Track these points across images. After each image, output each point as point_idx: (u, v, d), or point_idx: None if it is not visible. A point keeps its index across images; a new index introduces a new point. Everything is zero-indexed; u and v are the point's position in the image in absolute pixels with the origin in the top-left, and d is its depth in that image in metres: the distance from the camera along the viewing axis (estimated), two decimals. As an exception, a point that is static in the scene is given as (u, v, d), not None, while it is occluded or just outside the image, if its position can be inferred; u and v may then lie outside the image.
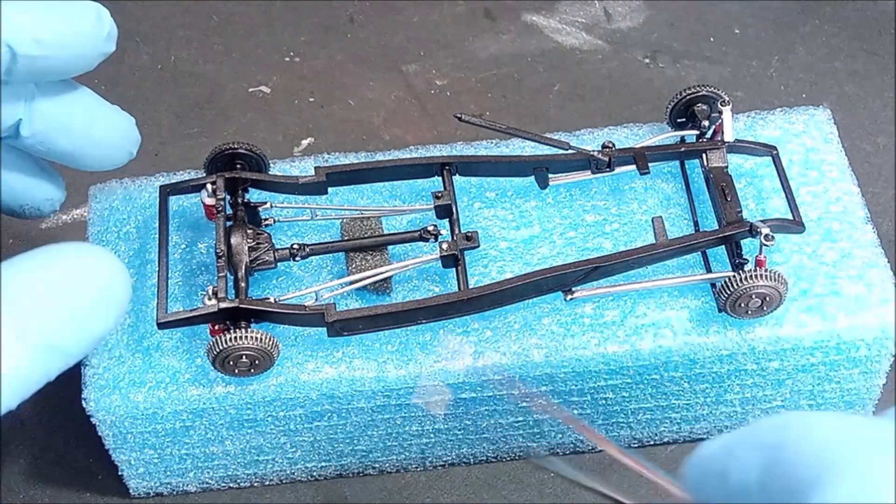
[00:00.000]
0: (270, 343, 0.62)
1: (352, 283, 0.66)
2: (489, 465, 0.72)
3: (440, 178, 0.68)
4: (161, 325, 0.62)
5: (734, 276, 0.63)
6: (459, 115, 0.67)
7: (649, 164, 0.69)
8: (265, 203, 0.68)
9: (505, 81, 0.89)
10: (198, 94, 0.89)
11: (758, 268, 0.63)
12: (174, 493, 0.71)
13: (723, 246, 0.67)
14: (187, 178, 0.69)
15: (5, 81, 0.58)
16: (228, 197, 0.67)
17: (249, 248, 0.65)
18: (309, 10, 0.94)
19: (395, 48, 0.92)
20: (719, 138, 0.69)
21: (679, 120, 0.71)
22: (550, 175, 0.69)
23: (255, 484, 0.71)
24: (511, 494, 0.71)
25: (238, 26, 0.94)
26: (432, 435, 0.69)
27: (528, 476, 0.71)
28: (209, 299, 0.62)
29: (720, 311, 0.65)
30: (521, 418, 0.68)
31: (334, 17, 0.94)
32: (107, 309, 0.51)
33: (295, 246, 0.66)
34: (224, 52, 0.92)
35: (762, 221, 0.65)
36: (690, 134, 0.70)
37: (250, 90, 0.90)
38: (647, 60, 0.90)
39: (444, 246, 0.65)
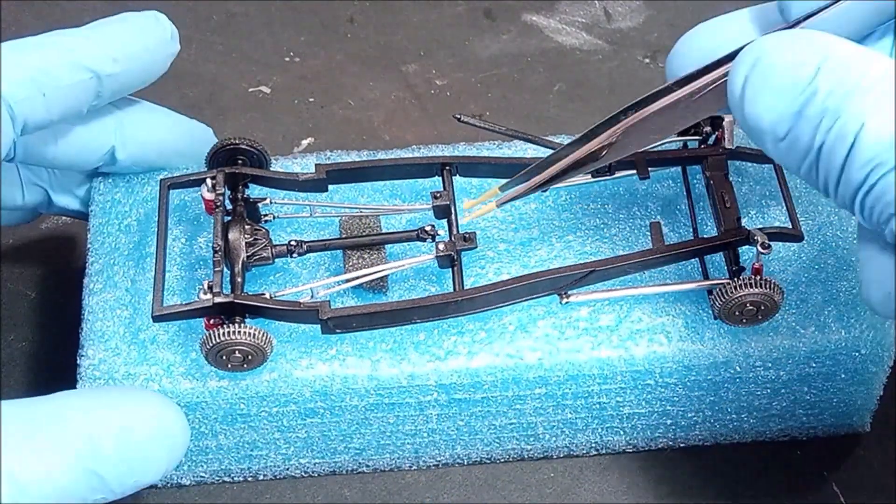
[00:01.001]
0: (264, 339, 0.62)
1: (348, 280, 0.66)
2: (489, 465, 0.72)
3: (440, 178, 0.68)
4: (156, 318, 0.62)
5: (729, 284, 0.63)
6: (459, 116, 0.67)
7: (649, 170, 0.69)
8: (265, 199, 0.68)
9: (505, 81, 0.89)
10: (198, 94, 0.89)
11: (753, 276, 0.63)
12: (168, 485, 0.71)
13: (721, 253, 0.67)
14: (188, 172, 0.70)
15: (96, 106, 0.65)
16: (228, 192, 0.67)
17: (247, 243, 0.65)
18: (309, 10, 0.94)
19: (395, 48, 0.92)
20: (721, 145, 0.69)
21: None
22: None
23: (249, 479, 0.71)
24: (511, 494, 0.71)
25: (238, 26, 0.94)
26: (426, 434, 0.69)
27: (528, 476, 0.71)
28: (205, 293, 0.62)
29: (715, 318, 0.65)
30: (514, 420, 0.68)
31: (334, 17, 0.94)
32: (157, 459, 0.57)
33: (293, 242, 0.66)
34: (224, 52, 0.92)
35: (760, 229, 0.65)
36: (692, 140, 0.70)
37: (250, 90, 0.90)
38: (647, 60, 0.90)
39: (441, 246, 0.65)
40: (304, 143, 0.86)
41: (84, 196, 0.73)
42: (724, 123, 0.68)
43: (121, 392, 0.59)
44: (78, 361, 0.65)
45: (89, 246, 0.69)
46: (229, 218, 0.66)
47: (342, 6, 0.95)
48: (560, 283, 0.65)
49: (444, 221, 0.67)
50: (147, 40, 0.65)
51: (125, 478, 0.55)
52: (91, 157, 0.68)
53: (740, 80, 0.52)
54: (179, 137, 0.71)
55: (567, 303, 0.65)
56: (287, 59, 0.92)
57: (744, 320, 0.64)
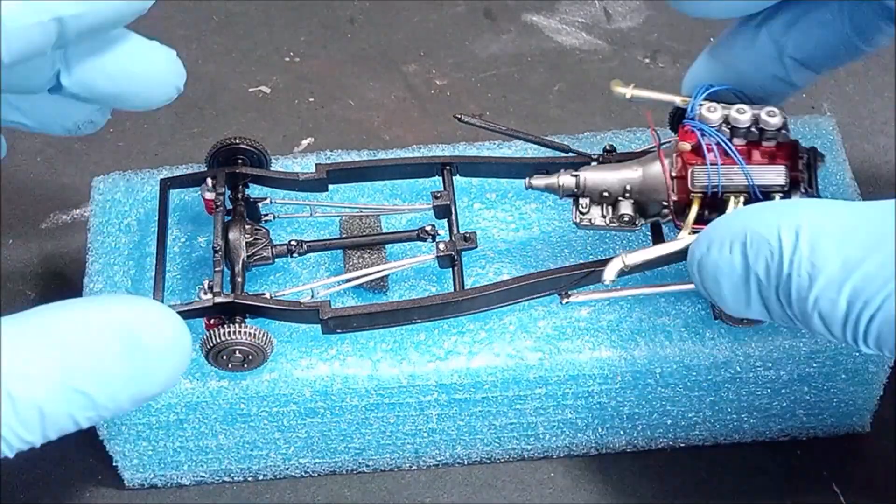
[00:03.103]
0: (264, 339, 0.61)
1: (348, 280, 0.66)
2: (489, 465, 0.72)
3: (440, 178, 0.68)
4: (156, 319, 0.62)
5: None
6: (459, 116, 0.67)
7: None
8: (265, 199, 0.68)
9: (505, 81, 0.89)
10: (198, 94, 0.89)
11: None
12: (168, 485, 0.71)
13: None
14: (188, 172, 0.70)
15: (59, 46, 0.56)
16: (229, 192, 0.67)
17: (247, 243, 0.65)
18: (309, 10, 0.94)
19: (395, 48, 0.92)
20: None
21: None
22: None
23: (249, 479, 0.71)
24: (511, 495, 0.71)
25: (238, 26, 0.94)
26: (426, 434, 0.69)
27: (529, 476, 0.71)
28: (205, 293, 0.62)
29: (716, 318, 0.65)
30: (514, 420, 0.68)
31: (334, 17, 0.94)
32: (152, 369, 0.51)
33: (293, 242, 0.66)
34: (224, 52, 0.92)
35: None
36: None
37: (250, 90, 0.90)
38: (647, 60, 0.90)
39: (441, 246, 0.65)
40: (304, 143, 0.86)
41: (33, 111, 0.64)
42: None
43: (100, 300, 0.52)
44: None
45: (89, 246, 0.69)
46: (229, 218, 0.66)
47: (342, 6, 0.95)
48: (560, 283, 0.65)
49: (445, 221, 0.67)
50: None
51: (117, 391, 0.50)
52: (32, 82, 0.60)
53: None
54: (133, 64, 0.62)
55: (567, 303, 0.65)
56: (287, 59, 0.92)
57: (744, 320, 0.64)
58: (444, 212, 0.67)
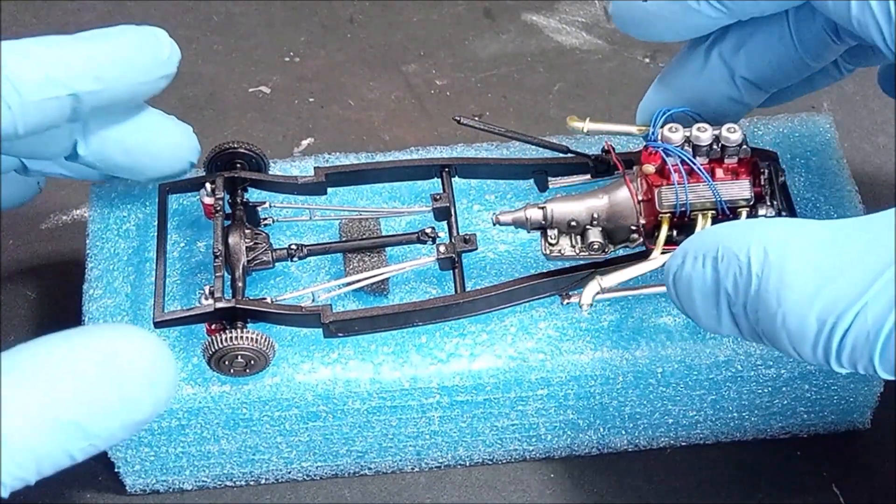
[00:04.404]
0: (266, 343, 0.62)
1: (349, 284, 0.66)
2: (489, 466, 0.72)
3: (439, 180, 0.68)
4: (157, 324, 0.62)
5: None
6: (458, 118, 0.67)
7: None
8: (264, 203, 0.68)
9: (505, 81, 0.89)
10: (198, 94, 0.89)
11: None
12: (170, 490, 0.71)
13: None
14: (187, 177, 0.69)
15: (75, 120, 0.59)
16: (227, 196, 0.67)
17: (247, 247, 0.65)
18: (309, 10, 0.94)
19: (395, 48, 0.92)
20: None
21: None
22: (550, 178, 0.69)
23: (251, 483, 0.71)
24: (511, 495, 0.71)
25: (238, 26, 0.94)
26: (428, 437, 0.69)
27: (529, 476, 0.71)
28: (206, 299, 0.62)
29: (717, 317, 0.65)
30: (516, 421, 0.68)
31: (334, 17, 0.94)
32: (142, 395, 0.52)
33: (293, 246, 0.66)
34: (224, 52, 0.92)
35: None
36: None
37: (250, 90, 0.90)
38: (647, 60, 0.90)
39: (442, 248, 0.65)
40: (304, 143, 0.86)
41: (61, 160, 0.66)
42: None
43: (86, 332, 0.52)
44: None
45: (88, 251, 0.69)
46: (229, 222, 0.66)
47: (342, 6, 0.95)
48: (561, 283, 0.65)
49: (444, 223, 0.67)
50: (139, 59, 0.60)
51: (109, 421, 0.51)
52: (49, 150, 0.63)
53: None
54: (150, 139, 0.66)
55: (568, 304, 0.65)
56: (287, 59, 0.92)
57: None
58: (443, 214, 0.67)
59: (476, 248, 0.65)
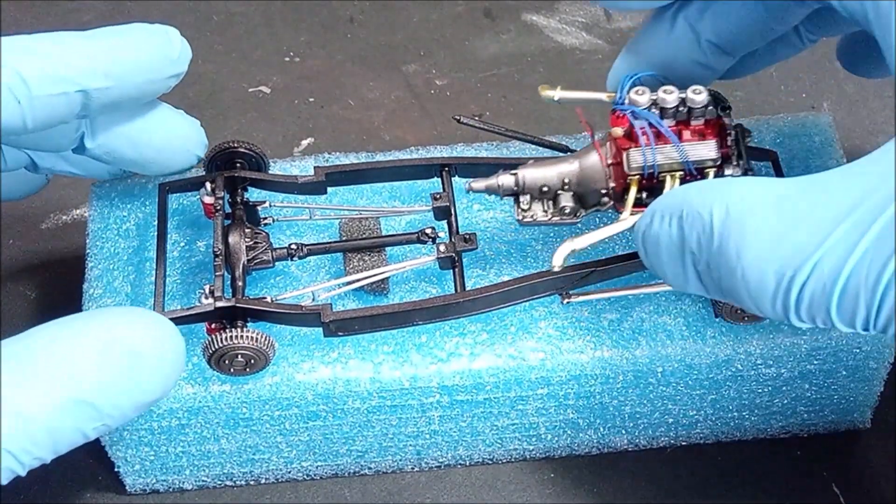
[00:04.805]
0: (266, 343, 0.62)
1: (349, 283, 0.66)
2: (489, 465, 0.72)
3: (439, 180, 0.68)
4: (158, 324, 0.62)
5: None
6: (458, 118, 0.67)
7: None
8: (264, 202, 0.68)
9: (505, 81, 0.89)
10: (198, 94, 0.89)
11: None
12: (170, 490, 0.71)
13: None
14: (187, 176, 0.69)
15: (83, 116, 0.60)
16: (228, 195, 0.67)
17: (247, 247, 0.65)
18: (309, 10, 0.94)
19: (395, 48, 0.92)
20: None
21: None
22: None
23: (251, 483, 0.71)
24: (511, 495, 0.71)
25: (238, 26, 0.94)
26: (428, 436, 0.69)
27: (528, 476, 0.71)
28: (206, 298, 0.62)
29: (717, 316, 0.65)
30: (516, 420, 0.68)
31: (334, 17, 0.94)
32: (151, 376, 0.54)
33: (293, 246, 0.66)
34: (224, 52, 0.92)
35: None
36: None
37: (250, 90, 0.90)
38: (646, 61, 0.90)
39: (442, 248, 0.65)
40: (304, 143, 0.86)
41: (70, 157, 0.68)
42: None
43: (97, 315, 0.54)
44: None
45: (88, 251, 0.69)
46: (229, 221, 0.66)
47: (342, 6, 0.95)
48: (561, 283, 0.64)
49: (444, 223, 0.67)
50: (150, 58, 0.61)
51: (120, 400, 0.53)
52: (57, 143, 0.64)
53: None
54: (157, 132, 0.66)
55: (568, 303, 0.65)
56: (287, 59, 0.92)
57: (745, 318, 0.64)
58: (443, 213, 0.67)
59: (476, 248, 0.65)
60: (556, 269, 0.62)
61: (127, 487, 0.70)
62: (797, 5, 0.62)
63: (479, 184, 0.65)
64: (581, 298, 0.66)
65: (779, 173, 0.69)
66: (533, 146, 0.69)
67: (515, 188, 0.65)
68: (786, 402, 0.70)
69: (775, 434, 0.72)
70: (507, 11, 0.94)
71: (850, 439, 0.72)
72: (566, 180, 0.64)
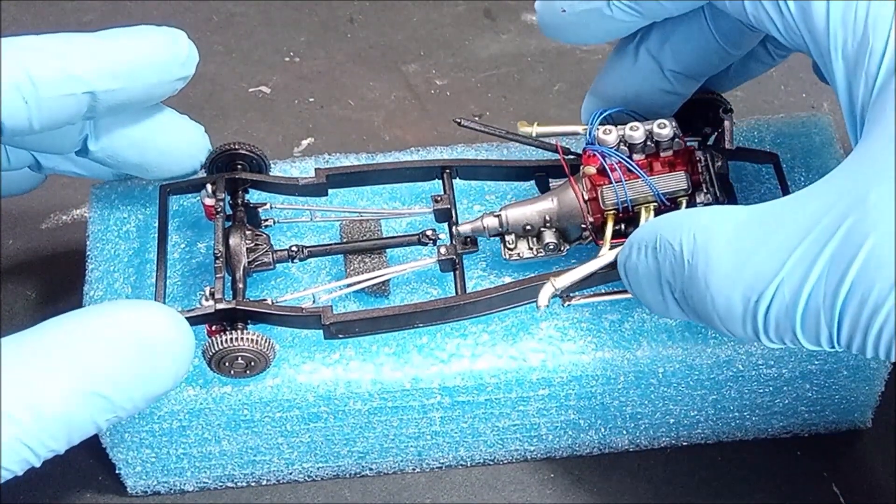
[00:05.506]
0: (266, 345, 0.61)
1: (350, 285, 0.66)
2: (489, 466, 0.72)
3: (440, 182, 0.68)
4: (158, 326, 0.62)
5: None
6: (458, 120, 0.67)
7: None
8: (265, 204, 0.68)
9: (505, 81, 0.89)
10: (198, 94, 0.89)
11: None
12: (171, 492, 0.71)
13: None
14: (188, 179, 0.69)
15: (89, 117, 0.60)
16: (228, 197, 0.67)
17: (248, 249, 0.65)
18: (309, 10, 0.94)
19: (395, 48, 0.92)
20: (721, 145, 0.68)
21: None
22: (551, 180, 0.69)
23: (252, 484, 0.71)
24: (511, 495, 0.71)
25: (238, 26, 0.94)
26: (429, 437, 0.69)
27: (529, 476, 0.71)
28: (206, 300, 0.62)
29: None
30: (517, 421, 0.68)
31: (334, 17, 0.94)
32: (163, 367, 0.55)
33: (294, 247, 0.66)
34: (224, 52, 0.92)
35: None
36: (693, 140, 0.70)
37: (250, 90, 0.90)
38: (646, 62, 0.90)
39: (443, 250, 0.65)
40: (304, 143, 0.86)
41: (74, 157, 0.67)
42: (724, 125, 0.68)
43: (109, 307, 0.55)
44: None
45: (88, 253, 0.69)
46: (229, 223, 0.66)
47: (342, 6, 0.95)
48: (562, 285, 0.65)
49: (445, 224, 0.67)
50: (157, 60, 0.60)
51: (132, 391, 0.54)
52: (60, 145, 0.64)
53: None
54: (160, 136, 0.66)
55: (569, 304, 0.65)
56: (287, 59, 0.92)
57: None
58: (444, 215, 0.67)
59: (477, 250, 0.66)
60: (540, 311, 0.63)
61: (128, 489, 0.70)
62: (749, 33, 0.63)
63: (466, 227, 0.66)
64: (582, 300, 0.66)
65: (780, 177, 0.69)
66: (533, 147, 0.69)
67: (500, 228, 0.66)
68: (787, 402, 0.70)
69: (776, 434, 0.72)
70: (507, 11, 0.94)
71: (850, 439, 0.72)
72: (547, 217, 0.66)
